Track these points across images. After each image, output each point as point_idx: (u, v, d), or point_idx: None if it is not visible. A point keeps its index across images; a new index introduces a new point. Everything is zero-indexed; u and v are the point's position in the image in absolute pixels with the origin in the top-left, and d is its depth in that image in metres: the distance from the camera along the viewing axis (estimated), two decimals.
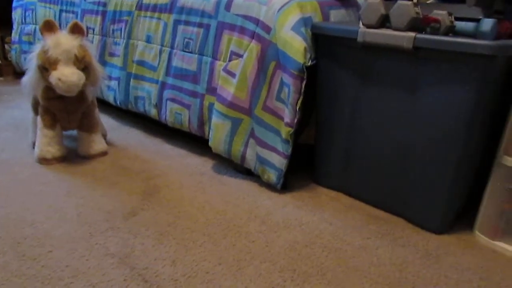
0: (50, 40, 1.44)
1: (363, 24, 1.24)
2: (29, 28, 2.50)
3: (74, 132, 1.89)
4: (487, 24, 1.13)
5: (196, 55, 1.59)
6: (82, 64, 1.47)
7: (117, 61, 1.93)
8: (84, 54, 1.48)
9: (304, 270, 1.05)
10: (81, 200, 1.33)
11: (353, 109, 1.33)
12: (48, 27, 1.47)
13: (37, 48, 1.49)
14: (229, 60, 1.48)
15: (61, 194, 1.37)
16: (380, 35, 1.19)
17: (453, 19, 1.19)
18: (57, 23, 1.57)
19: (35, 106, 1.61)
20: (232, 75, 1.45)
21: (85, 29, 1.52)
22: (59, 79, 1.40)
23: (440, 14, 1.18)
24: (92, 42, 2.04)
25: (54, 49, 1.42)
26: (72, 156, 1.65)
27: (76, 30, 1.49)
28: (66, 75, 1.41)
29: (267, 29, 1.37)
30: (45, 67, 1.44)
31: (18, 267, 1.02)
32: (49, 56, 1.43)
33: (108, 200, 1.34)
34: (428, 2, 1.55)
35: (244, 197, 1.40)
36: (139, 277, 1.00)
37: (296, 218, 1.29)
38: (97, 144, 1.64)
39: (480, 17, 1.28)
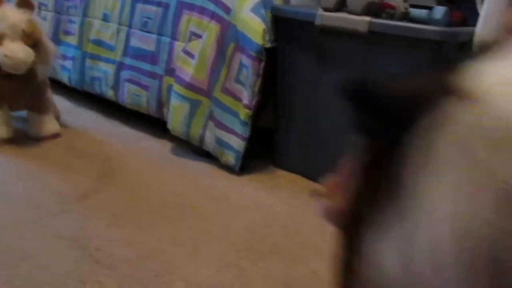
0: None
1: (321, 8, 1.26)
2: None
3: (24, 113, 1.81)
4: (439, 11, 1.16)
5: (155, 35, 1.56)
6: (31, 40, 1.40)
7: (72, 39, 1.85)
8: (33, 29, 1.41)
9: (260, 249, 1.07)
10: (31, 183, 1.28)
11: (311, 91, 1.35)
12: None
13: None
14: (189, 41, 1.46)
15: (10, 177, 1.31)
16: (337, 18, 1.21)
17: (407, 6, 1.22)
18: None
19: None
20: (191, 56, 1.43)
21: (34, 4, 1.45)
22: (5, 56, 1.33)
23: (396, 0, 1.20)
24: (45, 19, 1.95)
25: (0, 23, 1.35)
26: (22, 138, 1.58)
27: (24, 4, 1.41)
28: (13, 51, 1.34)
29: (227, 10, 1.36)
30: None
31: None
32: None
33: (61, 183, 1.30)
34: None
35: (202, 179, 1.39)
36: (90, 258, 0.97)
37: (253, 200, 1.29)
38: (49, 125, 1.57)
39: (433, 5, 1.32)
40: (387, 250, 0.37)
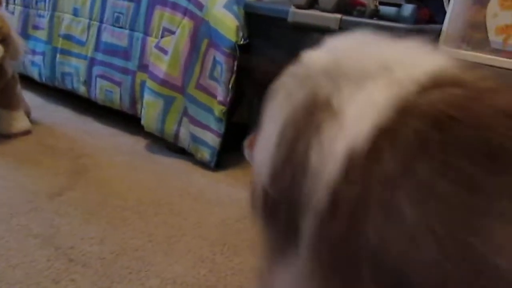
0: None
1: (293, 5, 1.27)
2: None
3: None
4: (408, 9, 1.20)
5: (127, 31, 1.54)
6: (0, 35, 1.37)
7: (42, 34, 1.81)
8: (2, 24, 1.38)
9: (235, 244, 1.08)
10: (1, 181, 1.26)
11: None
12: None
13: None
14: (161, 37, 1.45)
15: None
16: (309, 15, 1.22)
17: (377, 3, 1.25)
18: None
19: None
20: (165, 52, 1.43)
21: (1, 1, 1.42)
22: None
23: None
24: (13, 13, 1.90)
25: None
26: None
27: None
28: None
29: (200, 6, 1.36)
30: None
31: None
32: None
33: (32, 180, 1.28)
34: None
35: (177, 175, 1.40)
36: (64, 256, 0.97)
37: (228, 195, 1.31)
38: (19, 122, 1.54)
39: (402, 3, 1.35)
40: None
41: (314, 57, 0.59)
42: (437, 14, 1.32)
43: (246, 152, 0.77)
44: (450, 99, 0.43)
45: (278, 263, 0.56)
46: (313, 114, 0.49)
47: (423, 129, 0.41)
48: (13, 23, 1.44)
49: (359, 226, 0.41)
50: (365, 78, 0.49)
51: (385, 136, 0.43)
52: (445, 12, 1.28)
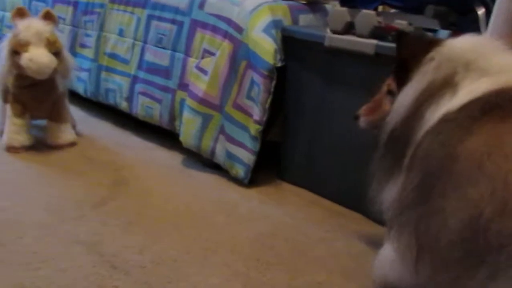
0: (21, 25, 1.46)
1: (329, 30, 1.32)
2: None
3: (42, 122, 1.88)
4: (443, 35, 1.23)
5: (169, 51, 1.63)
6: (54, 48, 1.48)
7: (88, 52, 1.93)
8: (55, 39, 1.49)
9: (267, 259, 1.12)
10: (49, 189, 1.35)
11: (318, 109, 1.41)
12: (20, 13, 1.49)
13: (7, 37, 1.49)
14: (201, 58, 1.52)
15: (30, 183, 1.37)
16: (345, 40, 1.27)
17: (412, 29, 1.28)
18: (28, 11, 1.57)
19: (5, 95, 1.60)
20: (204, 72, 1.50)
21: (57, 18, 1.53)
22: (30, 60, 1.41)
23: (401, 24, 1.27)
24: (62, 32, 2.03)
25: (25, 32, 1.44)
26: (40, 146, 1.64)
27: (48, 17, 1.51)
28: (38, 56, 1.42)
29: (239, 30, 1.42)
30: (16, 51, 1.44)
31: None
32: (20, 39, 1.44)
33: (77, 190, 1.36)
34: (391, 11, 1.65)
35: (212, 190, 1.45)
36: (107, 263, 1.03)
37: (261, 212, 1.35)
38: (66, 134, 1.64)
39: (437, 28, 1.38)
40: None
41: (455, 46, 0.82)
42: None
43: (361, 120, 1.04)
44: None
45: (388, 181, 0.84)
46: (440, 89, 0.77)
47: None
48: (63, 42, 1.56)
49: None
50: (487, 73, 0.75)
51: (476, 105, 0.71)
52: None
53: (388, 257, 0.85)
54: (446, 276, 0.67)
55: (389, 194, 0.84)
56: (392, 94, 0.93)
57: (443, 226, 0.65)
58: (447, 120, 0.73)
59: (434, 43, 0.86)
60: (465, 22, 1.37)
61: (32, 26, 1.45)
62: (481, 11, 1.26)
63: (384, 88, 0.98)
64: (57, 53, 1.50)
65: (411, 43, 0.88)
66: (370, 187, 0.92)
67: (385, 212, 0.88)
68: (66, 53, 1.56)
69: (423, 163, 0.73)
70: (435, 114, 0.75)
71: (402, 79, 0.86)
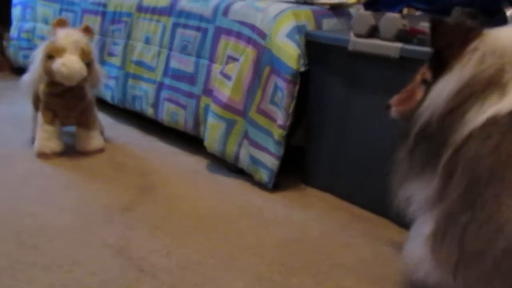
0: (60, 33, 1.54)
1: (353, 34, 1.31)
2: (29, 25, 2.54)
3: (72, 128, 1.94)
4: None
5: (194, 58, 1.65)
6: (87, 58, 1.55)
7: (116, 60, 1.98)
8: (90, 50, 1.56)
9: (292, 264, 1.11)
10: (79, 194, 1.38)
11: (342, 114, 1.40)
12: (61, 24, 1.58)
13: (43, 44, 1.57)
14: (226, 64, 1.54)
15: (60, 188, 1.42)
16: (369, 44, 1.26)
17: None
18: (68, 23, 1.67)
19: (36, 102, 1.66)
20: (228, 78, 1.52)
21: (93, 33, 1.63)
22: (63, 64, 1.47)
23: (427, 26, 1.25)
24: (91, 41, 2.09)
25: (63, 39, 1.52)
26: (70, 152, 1.69)
27: (86, 30, 1.60)
28: (71, 62, 1.48)
29: (263, 35, 1.44)
30: (51, 55, 1.51)
31: (19, 255, 1.07)
32: (57, 45, 1.52)
33: (105, 195, 1.39)
34: (416, 14, 1.63)
35: (236, 195, 1.46)
36: (135, 267, 1.05)
37: (285, 216, 1.35)
38: (95, 140, 1.69)
39: None
40: None
41: (502, 37, 0.76)
42: None
43: (393, 110, 0.99)
44: None
45: (416, 178, 0.80)
46: (485, 87, 0.71)
47: None
48: (95, 55, 1.64)
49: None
50: None
51: None
52: None
53: (416, 254, 0.82)
54: (491, 286, 0.65)
55: (420, 194, 0.80)
56: (426, 84, 0.87)
57: (497, 233, 0.62)
58: (496, 123, 0.68)
59: (475, 31, 0.79)
60: (493, 23, 1.34)
61: (71, 35, 1.53)
62: (510, 12, 1.23)
63: (418, 78, 0.93)
64: (88, 64, 1.56)
65: (448, 32, 0.80)
66: (391, 178, 0.89)
67: (409, 209, 0.85)
68: (97, 65, 1.64)
69: (469, 169, 0.69)
70: (480, 115, 0.70)
71: (438, 70, 0.80)
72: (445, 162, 0.74)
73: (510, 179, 0.63)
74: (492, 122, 0.68)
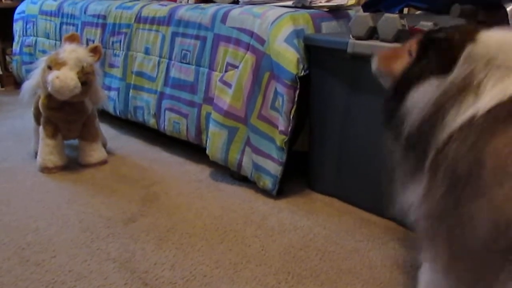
0: (67, 47, 1.54)
1: (352, 36, 1.30)
2: (30, 39, 2.56)
3: (74, 141, 1.94)
4: None
5: (194, 66, 1.65)
6: (84, 78, 1.53)
7: (117, 72, 1.98)
8: (91, 70, 1.55)
9: (298, 272, 1.10)
10: (82, 207, 1.38)
11: (344, 117, 1.39)
12: (71, 38, 1.59)
13: (48, 54, 1.59)
14: (225, 71, 1.53)
15: (63, 202, 1.41)
16: (369, 46, 1.24)
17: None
18: (79, 38, 1.68)
19: (37, 116, 1.66)
20: (228, 85, 1.51)
21: (102, 55, 1.63)
22: (57, 77, 1.47)
23: (426, 25, 1.23)
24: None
25: (66, 54, 1.52)
26: (73, 165, 1.69)
27: (95, 51, 1.59)
28: (66, 77, 1.47)
29: (261, 41, 1.43)
30: (50, 67, 1.51)
31: (22, 271, 1.06)
32: (59, 57, 1.52)
33: (109, 207, 1.38)
34: (416, 13, 1.61)
35: (240, 203, 1.44)
36: (139, 280, 1.04)
37: (291, 223, 1.33)
38: (97, 153, 1.68)
39: None
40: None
41: (483, 42, 0.76)
42: None
43: (374, 60, 0.98)
44: None
45: (410, 182, 0.82)
46: (461, 90, 0.73)
47: None
48: (99, 77, 1.66)
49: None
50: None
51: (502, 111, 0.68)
52: None
53: (429, 280, 0.82)
54: (478, 283, 0.66)
55: (413, 197, 0.82)
56: (410, 56, 0.87)
57: (473, 232, 0.64)
58: (473, 125, 0.70)
59: (465, 41, 0.77)
60: (494, 19, 1.32)
61: (75, 52, 1.54)
62: (510, 8, 1.21)
63: (407, 46, 0.91)
64: (86, 83, 1.55)
65: (443, 48, 0.79)
66: (394, 184, 0.91)
67: (408, 214, 0.86)
68: (98, 87, 1.65)
69: (450, 170, 0.71)
70: (457, 118, 0.73)
71: (423, 52, 0.82)
72: (429, 164, 0.76)
73: (483, 177, 0.65)
74: (469, 123, 0.71)
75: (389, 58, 0.96)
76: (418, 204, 0.79)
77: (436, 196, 0.72)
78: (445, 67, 0.77)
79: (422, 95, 0.80)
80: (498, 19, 1.25)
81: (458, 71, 0.75)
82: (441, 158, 0.73)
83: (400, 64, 0.89)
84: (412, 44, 0.88)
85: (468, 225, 0.65)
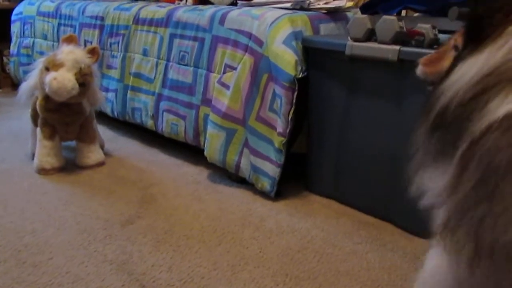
0: (64, 48, 1.53)
1: (350, 38, 1.30)
2: (28, 41, 2.55)
3: (72, 143, 1.93)
4: None
5: (192, 68, 1.64)
6: (82, 79, 1.53)
7: (115, 73, 1.97)
8: (88, 73, 1.54)
9: (296, 274, 1.09)
10: (79, 209, 1.37)
11: (342, 119, 1.39)
12: (69, 40, 1.58)
13: (46, 55, 1.58)
14: (223, 73, 1.53)
15: (60, 203, 1.40)
16: (367, 48, 1.25)
17: (436, 32, 1.25)
18: (77, 39, 1.67)
19: (35, 118, 1.66)
20: (226, 87, 1.50)
21: (100, 56, 1.62)
22: (55, 78, 1.46)
23: (424, 27, 1.23)
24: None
25: (64, 55, 1.51)
26: (70, 166, 1.69)
27: (93, 52, 1.58)
28: (63, 78, 1.46)
29: (260, 43, 1.42)
30: (48, 68, 1.51)
31: (19, 274, 1.05)
32: (56, 59, 1.51)
33: (106, 209, 1.38)
34: (414, 16, 1.61)
35: (238, 204, 1.44)
36: (136, 282, 1.03)
37: (288, 225, 1.33)
38: (95, 154, 1.68)
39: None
40: None
41: None
42: None
43: (419, 68, 0.92)
44: None
45: (433, 166, 0.76)
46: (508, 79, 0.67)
47: None
48: (97, 79, 1.64)
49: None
50: None
51: None
52: None
53: (435, 272, 0.79)
54: (505, 283, 0.64)
55: (435, 183, 0.76)
56: (457, 50, 0.81)
57: (507, 228, 0.61)
58: None
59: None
60: None
61: (73, 53, 1.53)
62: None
63: (451, 41, 0.86)
64: (84, 84, 1.54)
65: (488, 25, 0.72)
66: (411, 162, 0.83)
67: (423, 199, 0.81)
68: (95, 89, 1.64)
69: (486, 161, 0.65)
70: (502, 107, 0.65)
71: (471, 40, 0.74)
72: (461, 154, 0.69)
73: None
74: None
75: (434, 59, 0.90)
76: (442, 193, 0.74)
77: (466, 188, 0.67)
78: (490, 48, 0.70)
79: (465, 71, 0.72)
80: None
81: (506, 54, 0.68)
82: (476, 148, 0.66)
83: (447, 61, 0.83)
84: (457, 38, 0.82)
85: (503, 218, 0.61)
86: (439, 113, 0.75)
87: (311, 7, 1.58)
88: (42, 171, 1.60)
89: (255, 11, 1.51)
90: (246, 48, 1.46)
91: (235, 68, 1.49)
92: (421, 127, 0.79)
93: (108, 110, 2.02)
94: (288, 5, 1.60)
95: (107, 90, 2.00)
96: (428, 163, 0.78)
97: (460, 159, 0.69)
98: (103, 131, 2.10)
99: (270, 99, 1.41)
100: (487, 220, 0.63)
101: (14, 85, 2.92)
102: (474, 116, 0.67)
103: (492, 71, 0.68)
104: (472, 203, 0.66)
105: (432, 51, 1.12)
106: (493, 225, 0.62)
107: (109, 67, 2.01)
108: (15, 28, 2.67)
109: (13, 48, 2.70)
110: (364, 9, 1.49)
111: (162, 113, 1.75)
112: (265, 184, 1.45)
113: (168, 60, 1.73)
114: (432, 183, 0.76)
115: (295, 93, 1.35)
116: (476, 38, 0.72)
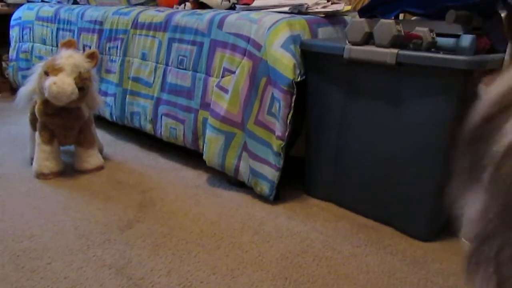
0: (64, 53, 1.54)
1: (348, 41, 1.30)
2: (26, 45, 2.56)
3: (71, 147, 1.93)
4: (467, 39, 1.19)
5: (190, 72, 1.65)
6: (81, 83, 1.53)
7: (113, 77, 1.98)
8: (88, 76, 1.54)
9: (296, 278, 1.09)
10: (78, 214, 1.37)
11: (340, 122, 1.39)
12: (68, 44, 1.58)
13: (45, 59, 1.58)
14: (222, 76, 1.53)
15: (59, 208, 1.40)
16: (365, 51, 1.25)
17: (434, 35, 1.25)
18: (76, 44, 1.67)
19: (33, 122, 1.66)
20: (225, 90, 1.51)
21: (98, 61, 1.62)
22: (55, 83, 1.46)
23: (422, 30, 1.24)
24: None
25: (64, 59, 1.51)
26: (69, 171, 1.68)
27: (92, 57, 1.59)
28: (63, 82, 1.47)
29: (258, 47, 1.43)
30: (47, 72, 1.51)
31: (17, 279, 1.05)
32: (56, 63, 1.51)
33: (105, 213, 1.37)
34: (411, 19, 1.62)
35: (237, 208, 1.44)
36: (135, 287, 1.03)
37: (288, 228, 1.32)
38: (94, 159, 1.68)
39: (460, 33, 1.34)
40: None
41: None
42: (497, 42, 1.29)
43: (480, 87, 0.91)
44: None
45: (467, 189, 0.69)
46: None
47: None
48: (95, 83, 1.64)
49: None
50: None
51: None
52: (505, 40, 1.25)
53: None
54: None
55: (469, 210, 0.74)
56: None
57: None
58: None
59: None
60: (490, 25, 1.33)
61: (72, 57, 1.53)
62: (504, 13, 1.22)
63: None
64: (83, 89, 1.55)
65: None
66: (450, 184, 0.84)
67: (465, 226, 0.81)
68: (94, 93, 1.64)
69: (505, 188, 0.63)
70: None
71: None
72: (489, 178, 0.68)
73: None
74: None
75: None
76: (473, 220, 0.70)
77: (489, 215, 0.63)
78: None
79: (493, 88, 0.70)
80: (494, 25, 1.25)
81: None
82: (499, 172, 0.63)
83: None
84: None
85: None
86: (471, 131, 0.73)
87: (309, 11, 1.59)
88: (41, 175, 1.60)
89: (253, 15, 1.51)
90: (245, 52, 1.47)
91: (233, 72, 1.49)
92: (458, 145, 0.80)
93: (107, 115, 2.02)
94: (286, 9, 1.60)
95: (106, 94, 2.00)
96: (464, 184, 0.76)
97: (489, 184, 0.66)
98: (102, 136, 2.10)
99: (269, 102, 1.41)
100: (506, 250, 0.60)
101: (13, 89, 2.91)
102: (494, 135, 0.66)
103: None
104: (494, 232, 0.64)
105: (430, 54, 1.13)
106: (510, 256, 0.60)
107: (108, 71, 2.01)
108: (14, 33, 2.68)
109: (12, 53, 2.70)
110: (362, 12, 1.49)
111: (161, 117, 1.75)
112: (264, 188, 1.45)
113: (166, 64, 1.74)
114: (467, 209, 0.74)
115: (294, 97, 1.35)
116: None
